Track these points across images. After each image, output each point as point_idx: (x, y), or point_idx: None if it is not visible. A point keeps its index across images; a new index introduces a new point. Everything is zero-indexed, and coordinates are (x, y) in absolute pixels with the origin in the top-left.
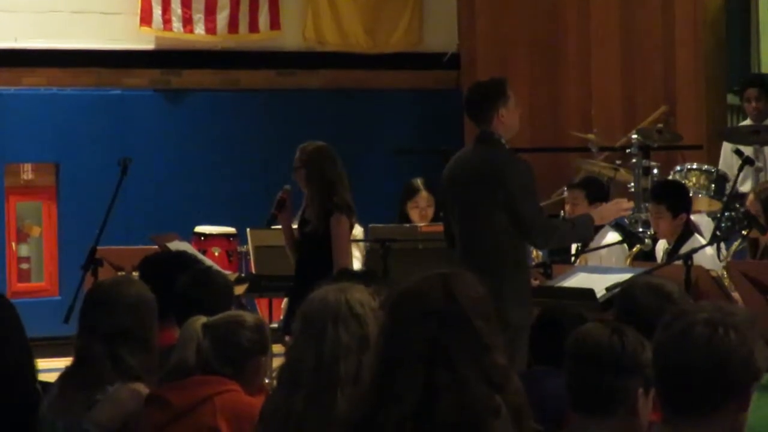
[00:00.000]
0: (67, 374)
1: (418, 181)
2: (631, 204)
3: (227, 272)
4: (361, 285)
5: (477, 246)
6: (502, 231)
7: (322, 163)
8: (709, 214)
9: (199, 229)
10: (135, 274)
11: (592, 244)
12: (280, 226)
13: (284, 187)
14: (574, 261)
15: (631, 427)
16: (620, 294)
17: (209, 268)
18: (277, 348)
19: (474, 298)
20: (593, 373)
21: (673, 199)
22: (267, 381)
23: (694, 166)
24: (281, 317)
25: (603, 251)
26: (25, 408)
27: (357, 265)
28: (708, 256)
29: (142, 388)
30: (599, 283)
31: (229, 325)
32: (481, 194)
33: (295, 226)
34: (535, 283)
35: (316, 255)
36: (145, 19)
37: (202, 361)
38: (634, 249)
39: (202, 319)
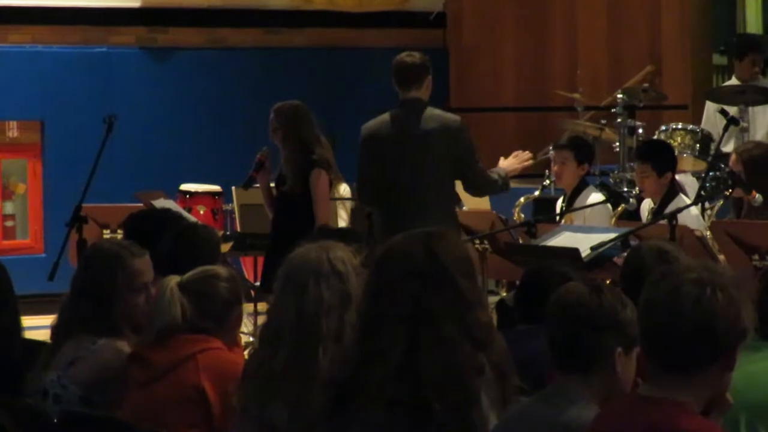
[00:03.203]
0: (58, 331)
1: None
2: (530, 154)
3: None
4: (341, 243)
5: (422, 198)
6: (447, 184)
7: (298, 122)
8: (694, 173)
9: (184, 187)
10: (120, 232)
11: (577, 204)
12: (258, 186)
13: (262, 149)
14: (559, 220)
15: (611, 385)
16: (628, 257)
17: (196, 223)
18: (261, 306)
19: (457, 257)
20: (571, 331)
21: (659, 158)
22: (251, 339)
23: (679, 126)
24: None
25: (587, 211)
26: (15, 368)
27: (342, 225)
28: (693, 216)
29: (126, 347)
30: (584, 243)
31: (206, 280)
32: (432, 151)
33: (272, 185)
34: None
35: (294, 213)
36: None
37: (187, 320)
38: (619, 209)
39: (176, 279)
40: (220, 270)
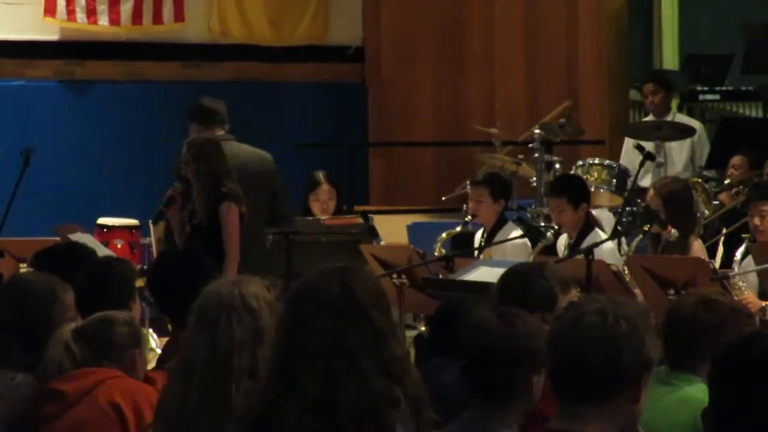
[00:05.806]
0: None
1: (320, 174)
2: None
3: None
4: (255, 277)
5: (257, 229)
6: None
7: (210, 156)
8: (611, 209)
9: (101, 220)
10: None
11: (497, 239)
12: (170, 220)
13: (174, 185)
14: (478, 255)
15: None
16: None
17: (110, 258)
18: None
19: (371, 292)
20: (484, 363)
21: (572, 190)
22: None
23: (596, 161)
24: None
25: (507, 246)
26: None
27: None
28: (609, 251)
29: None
30: None
31: (99, 325)
32: (263, 186)
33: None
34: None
35: (205, 246)
36: (49, 9)
37: (79, 364)
38: (539, 246)
39: (71, 326)
40: (119, 315)
